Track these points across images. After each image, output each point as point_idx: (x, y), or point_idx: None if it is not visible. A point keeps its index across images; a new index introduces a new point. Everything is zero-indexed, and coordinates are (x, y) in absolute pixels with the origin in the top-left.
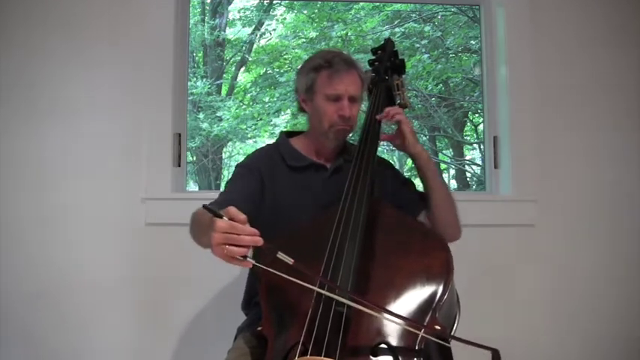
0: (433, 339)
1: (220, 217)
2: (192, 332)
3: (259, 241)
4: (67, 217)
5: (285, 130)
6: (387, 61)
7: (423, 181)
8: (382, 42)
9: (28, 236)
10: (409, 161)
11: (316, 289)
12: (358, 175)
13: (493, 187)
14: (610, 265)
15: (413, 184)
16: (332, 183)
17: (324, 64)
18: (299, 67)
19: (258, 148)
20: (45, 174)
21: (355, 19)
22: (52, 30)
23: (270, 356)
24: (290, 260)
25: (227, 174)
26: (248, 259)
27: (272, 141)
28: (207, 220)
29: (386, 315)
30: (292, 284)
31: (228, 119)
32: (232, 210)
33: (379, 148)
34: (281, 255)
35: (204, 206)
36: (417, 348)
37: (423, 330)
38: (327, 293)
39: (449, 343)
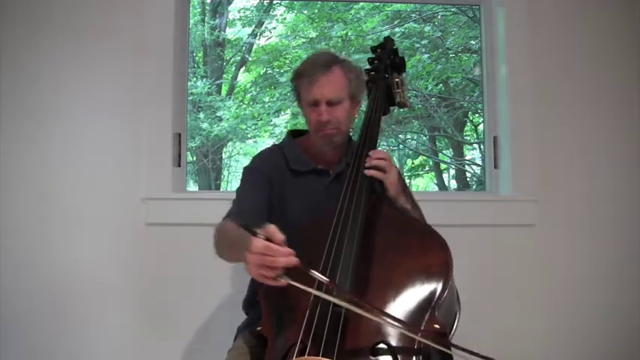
0: (431, 344)
1: (256, 234)
2: (192, 332)
3: (295, 261)
4: (67, 217)
5: (292, 129)
6: (387, 59)
7: None
8: (382, 40)
9: (28, 236)
10: (409, 161)
11: (323, 295)
12: (357, 175)
13: (493, 187)
14: (609, 265)
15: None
16: (334, 189)
17: (303, 71)
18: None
19: (263, 149)
20: (45, 174)
21: (355, 19)
22: (52, 31)
23: (269, 356)
24: (325, 280)
25: (227, 174)
26: (283, 278)
27: (272, 141)
28: (240, 236)
29: (385, 318)
30: (292, 285)
31: (228, 119)
32: (271, 229)
33: (379, 148)
34: (313, 273)
35: (242, 225)
36: (416, 347)
37: (419, 334)
38: (330, 298)
39: (449, 349)
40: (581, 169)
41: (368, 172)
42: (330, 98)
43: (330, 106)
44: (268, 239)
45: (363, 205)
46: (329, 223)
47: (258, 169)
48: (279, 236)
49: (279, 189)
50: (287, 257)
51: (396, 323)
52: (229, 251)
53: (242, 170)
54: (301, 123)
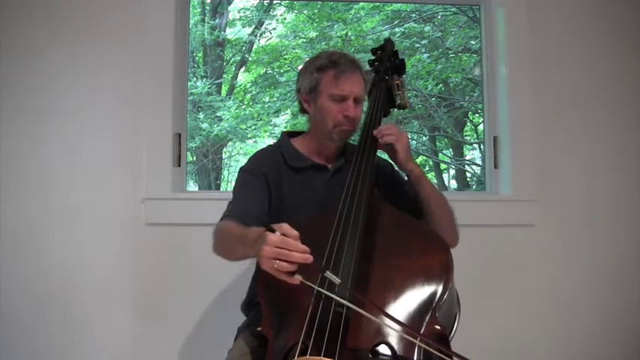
0: (432, 350)
1: (273, 231)
2: (192, 332)
3: (309, 258)
4: (67, 217)
5: (286, 130)
6: (387, 61)
7: (417, 195)
8: (382, 42)
9: (28, 236)
10: None
11: (335, 297)
12: (358, 175)
13: (493, 187)
14: (609, 265)
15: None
16: (333, 184)
17: (330, 64)
18: (301, 67)
19: (259, 149)
20: (46, 174)
21: (355, 19)
22: (53, 31)
23: (270, 356)
24: (337, 280)
25: (227, 174)
26: (296, 276)
27: (272, 141)
28: (246, 233)
29: (385, 320)
30: (292, 284)
31: (228, 119)
32: (285, 226)
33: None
34: (328, 274)
35: (262, 223)
36: (416, 348)
37: (418, 339)
38: (338, 299)
39: (449, 350)
40: (580, 169)
41: (382, 140)
42: (357, 95)
43: (355, 103)
44: (284, 235)
45: (364, 207)
46: (330, 225)
47: (255, 169)
48: (294, 232)
49: (277, 187)
50: (303, 253)
51: (398, 326)
52: (235, 246)
53: (238, 171)
54: (301, 123)
